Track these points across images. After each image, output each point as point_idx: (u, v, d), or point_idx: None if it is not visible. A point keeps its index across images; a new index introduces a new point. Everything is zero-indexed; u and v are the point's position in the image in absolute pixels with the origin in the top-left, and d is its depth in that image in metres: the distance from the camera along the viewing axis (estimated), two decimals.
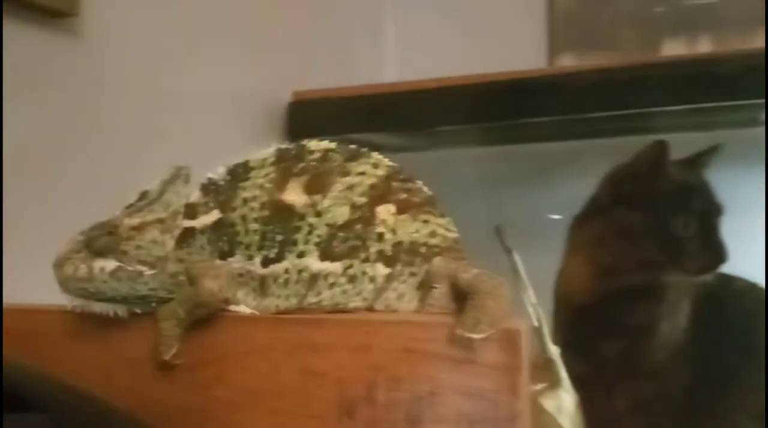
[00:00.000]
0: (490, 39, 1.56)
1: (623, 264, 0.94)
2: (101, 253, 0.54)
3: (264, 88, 1.34)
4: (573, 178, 1.37)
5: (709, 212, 0.91)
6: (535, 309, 1.05)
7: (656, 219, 0.92)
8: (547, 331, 1.03)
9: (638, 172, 0.95)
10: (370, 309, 0.55)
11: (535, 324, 1.04)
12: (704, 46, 1.41)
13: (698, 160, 0.97)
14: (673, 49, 1.42)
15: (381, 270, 0.55)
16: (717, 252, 0.89)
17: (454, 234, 0.57)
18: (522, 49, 1.52)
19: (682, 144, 1.31)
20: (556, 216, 1.44)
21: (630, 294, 0.93)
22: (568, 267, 1.02)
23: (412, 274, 0.55)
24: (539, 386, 1.00)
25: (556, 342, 0.98)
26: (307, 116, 1.35)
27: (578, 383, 0.95)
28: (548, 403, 1.00)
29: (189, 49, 1.18)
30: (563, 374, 0.99)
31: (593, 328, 0.95)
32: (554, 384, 1.00)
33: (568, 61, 1.47)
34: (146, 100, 1.10)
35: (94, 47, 1.01)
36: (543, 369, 1.01)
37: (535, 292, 1.03)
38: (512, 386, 0.48)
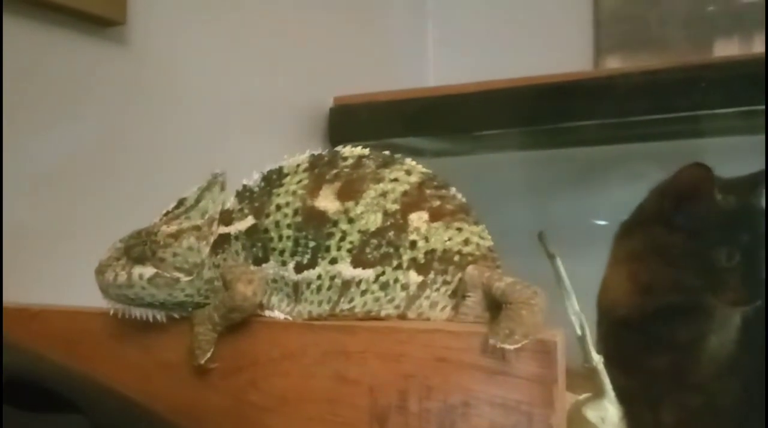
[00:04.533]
0: (534, 41, 1.54)
1: (660, 284, 0.89)
2: (140, 260, 0.54)
3: (305, 94, 1.36)
4: (620, 183, 1.34)
5: (756, 245, 0.84)
6: (578, 318, 1.03)
7: (697, 245, 0.86)
8: (590, 340, 1.01)
9: (679, 192, 0.90)
10: (402, 317, 0.55)
11: (578, 332, 1.02)
12: (759, 46, 1.35)
13: (756, 181, 0.90)
14: (726, 49, 1.37)
15: (413, 277, 0.54)
16: (756, 289, 0.83)
17: (488, 242, 0.56)
18: (567, 50, 1.50)
19: (734, 148, 1.27)
20: (602, 223, 1.41)
21: (673, 311, 0.90)
22: (609, 278, 0.99)
23: (446, 282, 0.55)
24: (582, 396, 0.98)
25: (599, 352, 0.95)
26: (349, 121, 1.35)
27: (623, 396, 0.92)
28: (591, 414, 0.98)
29: (232, 55, 1.20)
30: (607, 384, 0.97)
31: (636, 342, 0.93)
32: (598, 394, 0.98)
33: (615, 63, 1.44)
34: (190, 106, 1.12)
35: (140, 54, 1.04)
36: (586, 379, 0.98)
37: (580, 300, 1.01)
38: (547, 398, 0.47)
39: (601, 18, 1.47)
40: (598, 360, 0.99)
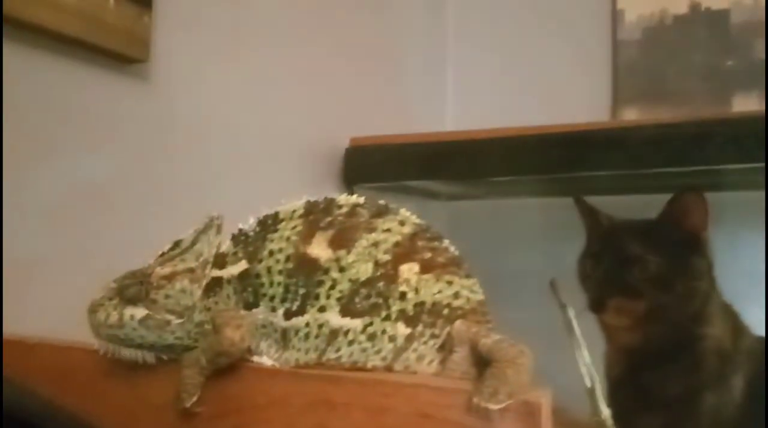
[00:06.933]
0: (553, 91, 1.54)
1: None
2: (132, 301, 0.55)
3: (323, 134, 1.37)
4: None
5: (608, 256, 0.97)
6: (588, 369, 1.01)
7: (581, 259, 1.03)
8: (600, 392, 0.99)
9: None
10: (389, 369, 0.54)
11: (588, 385, 0.99)
12: None
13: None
14: (745, 104, 1.36)
15: (401, 329, 0.54)
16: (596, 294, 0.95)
17: (479, 296, 0.55)
18: (585, 100, 1.50)
19: (747, 203, 1.24)
20: None
21: (654, 360, 0.89)
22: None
23: (434, 336, 0.54)
24: None
25: (609, 406, 0.93)
26: (365, 162, 1.36)
27: None
28: None
29: (250, 94, 1.22)
30: None
31: (628, 399, 0.91)
32: None
33: (632, 114, 1.44)
34: (209, 144, 1.14)
35: (162, 91, 1.06)
36: None
37: (591, 352, 0.99)
38: None
39: (619, 69, 1.47)
40: (607, 414, 0.97)
